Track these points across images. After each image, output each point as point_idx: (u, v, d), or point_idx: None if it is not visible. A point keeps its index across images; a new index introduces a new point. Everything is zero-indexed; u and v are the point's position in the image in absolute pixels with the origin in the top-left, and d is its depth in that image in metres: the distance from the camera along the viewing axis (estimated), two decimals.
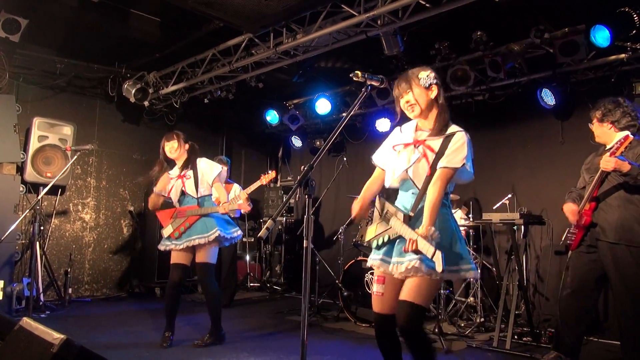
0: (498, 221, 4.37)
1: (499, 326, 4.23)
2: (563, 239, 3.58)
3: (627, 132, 3.30)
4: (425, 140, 2.45)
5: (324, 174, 7.31)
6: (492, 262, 5.46)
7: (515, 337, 4.30)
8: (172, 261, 4.07)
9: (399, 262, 2.34)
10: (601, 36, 4.12)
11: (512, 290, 4.38)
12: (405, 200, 2.49)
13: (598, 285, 3.43)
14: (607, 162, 3.11)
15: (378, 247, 2.48)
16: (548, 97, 5.05)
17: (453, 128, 2.44)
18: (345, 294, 5.13)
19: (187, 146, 4.24)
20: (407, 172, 2.44)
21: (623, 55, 4.53)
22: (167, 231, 4.05)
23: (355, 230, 5.74)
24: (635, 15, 3.95)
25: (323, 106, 6.56)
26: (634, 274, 3.16)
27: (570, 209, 3.48)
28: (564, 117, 5.16)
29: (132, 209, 6.82)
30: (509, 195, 5.24)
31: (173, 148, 4.14)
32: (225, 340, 4.12)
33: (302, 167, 7.95)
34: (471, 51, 5.06)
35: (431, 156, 2.40)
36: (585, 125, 3.62)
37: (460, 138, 2.38)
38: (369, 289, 4.96)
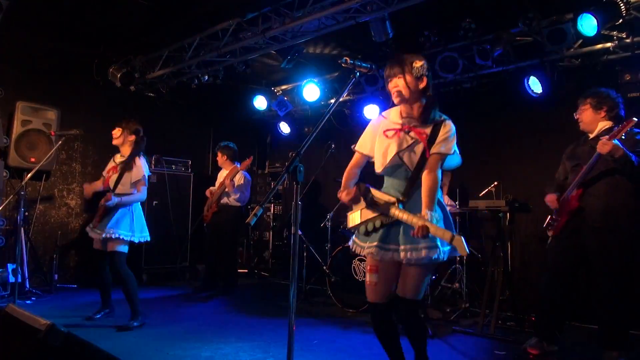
0: (484, 208, 4.42)
1: (484, 311, 4.30)
2: (545, 224, 3.65)
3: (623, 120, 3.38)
4: (415, 126, 2.49)
5: (312, 161, 7.29)
6: (478, 249, 5.54)
7: (500, 322, 4.38)
8: (94, 246, 4.27)
9: (414, 248, 2.36)
10: (588, 25, 4.15)
11: (497, 276, 4.45)
12: (395, 185, 2.52)
13: (576, 271, 3.51)
14: (605, 145, 3.13)
15: (367, 234, 2.49)
16: (535, 85, 5.08)
17: (440, 116, 2.51)
18: (333, 280, 5.17)
19: (132, 137, 4.29)
20: (398, 155, 2.47)
21: (609, 44, 4.57)
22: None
23: (342, 217, 5.76)
24: (621, 5, 3.98)
25: (311, 92, 6.53)
26: (617, 258, 3.25)
27: (551, 199, 3.59)
28: (551, 105, 5.20)
29: None
30: (495, 183, 5.29)
31: (115, 135, 4.29)
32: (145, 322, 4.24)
33: (291, 153, 7.95)
34: (460, 38, 5.06)
35: (423, 142, 2.46)
36: (571, 112, 3.66)
37: (449, 126, 2.47)
38: (356, 275, 5.00)
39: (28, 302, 5.01)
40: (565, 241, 3.48)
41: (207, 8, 4.93)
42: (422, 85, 2.47)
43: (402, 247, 2.39)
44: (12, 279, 5.05)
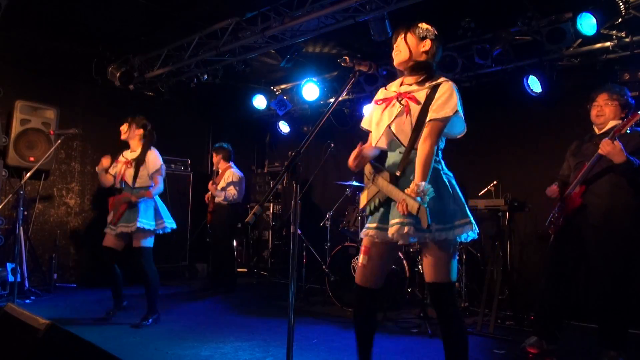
0: (483, 207, 4.42)
1: (483, 310, 4.31)
2: (547, 223, 3.64)
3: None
4: (408, 92, 2.30)
5: (312, 160, 7.30)
6: (477, 248, 5.54)
7: (499, 321, 4.39)
8: (103, 243, 4.31)
9: (400, 223, 2.17)
10: (587, 24, 4.15)
11: (496, 275, 4.45)
12: (393, 160, 2.36)
13: (575, 270, 3.50)
14: (605, 147, 3.11)
15: (372, 212, 2.37)
16: (534, 84, 5.09)
17: (439, 78, 2.29)
18: (332, 279, 5.17)
19: (139, 131, 4.38)
20: (390, 127, 2.31)
21: (608, 44, 4.58)
22: (109, 217, 4.27)
23: (342, 216, 5.76)
24: (621, 4, 3.98)
25: (311, 91, 6.53)
26: (616, 258, 3.24)
27: (551, 190, 3.58)
28: (550, 104, 5.20)
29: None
30: (494, 182, 5.29)
31: (123, 130, 4.37)
32: (160, 320, 4.25)
33: (290, 153, 7.95)
34: (459, 37, 5.07)
35: (415, 108, 2.25)
36: (570, 112, 3.66)
37: (448, 87, 2.23)
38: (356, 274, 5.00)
39: (27, 301, 5.00)
40: (566, 240, 3.47)
41: (206, 7, 4.93)
42: (424, 47, 2.31)
43: (390, 222, 2.23)
44: (11, 278, 5.04)
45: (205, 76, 6.27)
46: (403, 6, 4.19)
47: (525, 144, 5.48)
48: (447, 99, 2.20)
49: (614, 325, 3.27)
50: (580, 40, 4.58)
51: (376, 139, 2.40)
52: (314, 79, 6.53)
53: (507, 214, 4.52)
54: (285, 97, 7.01)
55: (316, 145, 7.27)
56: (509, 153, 5.60)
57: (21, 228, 5.11)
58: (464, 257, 5.09)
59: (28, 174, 4.52)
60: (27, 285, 5.37)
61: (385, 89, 2.49)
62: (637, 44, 4.43)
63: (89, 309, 4.50)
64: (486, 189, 5.27)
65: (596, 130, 3.51)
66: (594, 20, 4.09)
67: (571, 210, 3.43)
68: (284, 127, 7.83)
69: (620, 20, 4.17)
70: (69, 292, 5.73)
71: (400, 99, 2.31)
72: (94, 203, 6.59)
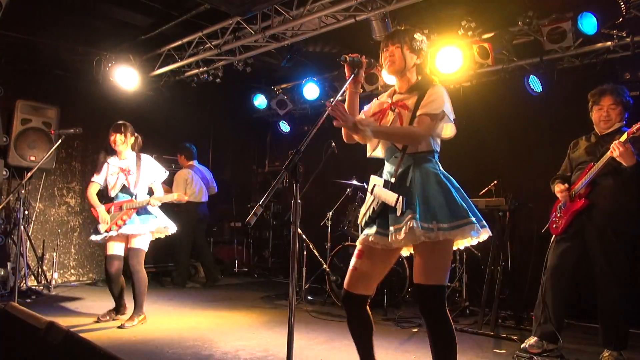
0: (484, 207, 4.41)
1: (483, 310, 4.30)
2: (549, 224, 3.63)
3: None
4: (400, 100, 2.36)
5: (312, 160, 7.29)
6: (477, 247, 5.54)
7: (499, 320, 4.38)
8: (108, 252, 4.20)
9: (397, 229, 2.15)
10: (588, 24, 4.15)
11: (497, 275, 4.45)
12: (388, 168, 2.38)
13: (576, 270, 3.50)
14: (618, 148, 3.10)
15: (368, 223, 2.34)
16: (535, 84, 5.08)
17: (430, 83, 2.35)
18: (333, 279, 5.17)
19: (132, 139, 4.38)
20: None
21: (609, 43, 4.57)
22: (103, 227, 4.15)
23: (342, 216, 5.75)
24: (621, 3, 3.98)
25: (311, 91, 6.54)
26: (620, 259, 3.24)
27: (560, 189, 3.50)
28: (551, 103, 5.20)
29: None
30: (495, 181, 5.28)
31: (120, 141, 4.30)
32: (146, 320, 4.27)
33: (290, 152, 7.96)
34: (460, 37, 5.05)
35: (407, 115, 2.29)
36: (571, 111, 3.66)
37: (436, 89, 2.28)
38: None
39: (28, 300, 5.00)
40: (568, 240, 3.46)
41: (206, 7, 4.93)
42: (418, 59, 2.37)
43: (390, 228, 2.19)
44: (12, 278, 5.04)
45: (206, 76, 6.28)
46: (403, 6, 4.19)
47: (526, 144, 5.47)
48: (436, 100, 2.25)
49: (615, 325, 3.26)
50: (581, 40, 4.57)
51: (372, 149, 2.47)
52: (315, 79, 6.53)
53: (508, 213, 4.52)
54: (285, 97, 7.02)
55: (317, 144, 7.26)
56: (510, 152, 5.59)
57: (22, 227, 5.12)
58: (464, 257, 5.09)
59: (29, 174, 4.52)
60: (27, 284, 5.37)
61: (377, 99, 2.54)
62: (637, 44, 4.43)
63: (89, 308, 4.50)
64: (486, 189, 5.25)
65: (598, 130, 3.50)
66: (594, 20, 4.09)
67: (575, 211, 3.41)
68: (284, 127, 7.83)
69: (621, 19, 4.16)
70: (70, 291, 5.73)
71: (393, 108, 2.38)
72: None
